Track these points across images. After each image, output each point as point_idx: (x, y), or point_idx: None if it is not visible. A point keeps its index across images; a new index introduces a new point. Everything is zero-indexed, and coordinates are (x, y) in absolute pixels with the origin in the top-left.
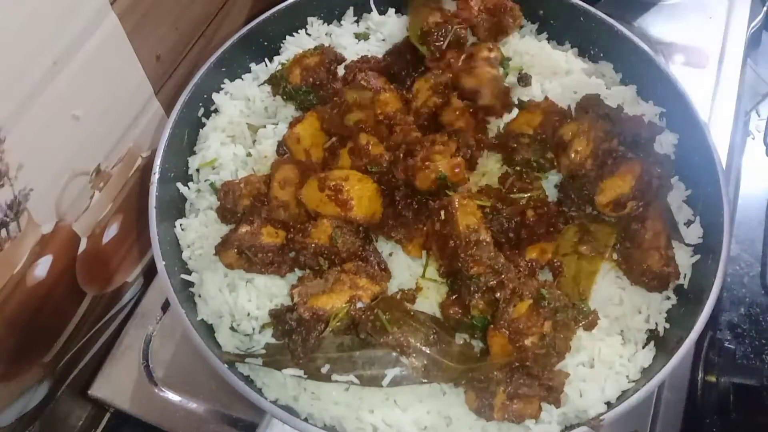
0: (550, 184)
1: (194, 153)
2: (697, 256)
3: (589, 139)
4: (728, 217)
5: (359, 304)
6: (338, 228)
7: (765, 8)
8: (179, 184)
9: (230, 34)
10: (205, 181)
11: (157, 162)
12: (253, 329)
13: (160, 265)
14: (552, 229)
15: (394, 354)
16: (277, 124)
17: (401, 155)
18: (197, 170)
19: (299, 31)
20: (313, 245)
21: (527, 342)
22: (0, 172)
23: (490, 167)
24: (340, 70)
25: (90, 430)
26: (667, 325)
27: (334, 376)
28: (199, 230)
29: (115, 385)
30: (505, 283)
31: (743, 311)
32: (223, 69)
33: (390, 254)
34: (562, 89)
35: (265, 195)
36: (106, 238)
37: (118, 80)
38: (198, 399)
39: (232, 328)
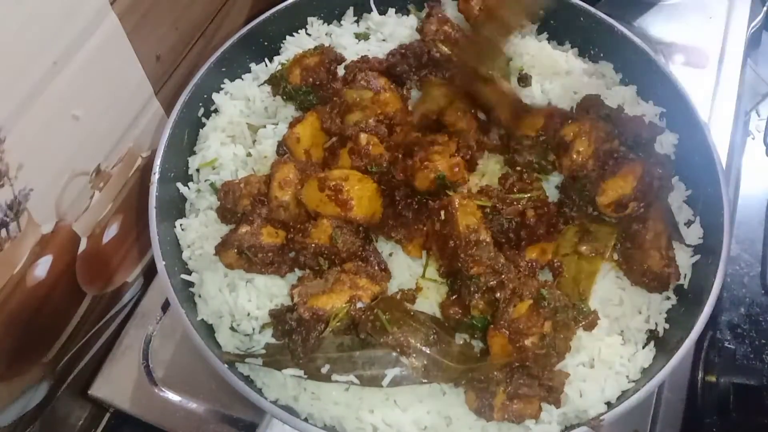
0: (550, 184)
1: (194, 153)
2: (697, 257)
3: (590, 140)
4: (728, 217)
5: (359, 304)
6: (338, 228)
7: (765, 8)
8: (179, 184)
9: (230, 34)
10: (205, 181)
11: (157, 162)
12: (253, 329)
13: (160, 265)
14: (552, 229)
15: (394, 354)
16: (277, 124)
17: (400, 155)
18: (197, 170)
19: (299, 31)
20: (313, 245)
21: (527, 342)
22: (0, 172)
23: (491, 168)
24: (340, 70)
25: (90, 430)
26: (667, 326)
27: (334, 376)
28: (199, 230)
29: (115, 385)
30: (505, 283)
31: (743, 311)
32: (223, 69)
33: (390, 254)
34: (562, 89)
35: (265, 195)
36: (106, 238)
37: (118, 80)
38: (198, 399)
39: (232, 328)
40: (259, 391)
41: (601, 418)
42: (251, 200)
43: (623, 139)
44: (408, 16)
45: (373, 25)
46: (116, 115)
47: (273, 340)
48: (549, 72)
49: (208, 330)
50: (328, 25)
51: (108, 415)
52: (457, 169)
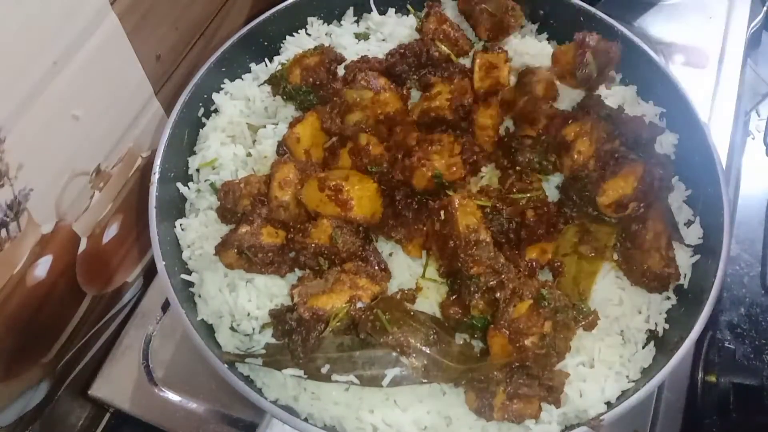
0: (550, 185)
1: (194, 153)
2: (697, 257)
3: (591, 140)
4: (728, 217)
5: (359, 304)
6: (338, 228)
7: (765, 8)
8: (179, 184)
9: (230, 34)
10: (205, 181)
11: (157, 162)
12: (253, 329)
13: (160, 265)
14: (552, 229)
15: (394, 354)
16: (277, 124)
17: (400, 156)
18: (197, 170)
19: (299, 31)
20: (313, 245)
21: (527, 342)
22: (0, 172)
23: (491, 168)
24: (340, 70)
25: (90, 430)
26: (667, 326)
27: (334, 376)
28: (199, 230)
29: (115, 385)
30: (505, 283)
31: (743, 311)
32: (223, 69)
33: (390, 254)
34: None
35: (265, 195)
36: (106, 238)
37: (118, 80)
38: (198, 399)
39: (232, 328)
40: (259, 391)
41: (601, 418)
42: (251, 200)
43: (623, 139)
44: (408, 16)
45: (373, 25)
46: (116, 115)
47: (273, 340)
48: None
49: (208, 330)
50: (328, 25)
51: (108, 415)
52: (454, 168)
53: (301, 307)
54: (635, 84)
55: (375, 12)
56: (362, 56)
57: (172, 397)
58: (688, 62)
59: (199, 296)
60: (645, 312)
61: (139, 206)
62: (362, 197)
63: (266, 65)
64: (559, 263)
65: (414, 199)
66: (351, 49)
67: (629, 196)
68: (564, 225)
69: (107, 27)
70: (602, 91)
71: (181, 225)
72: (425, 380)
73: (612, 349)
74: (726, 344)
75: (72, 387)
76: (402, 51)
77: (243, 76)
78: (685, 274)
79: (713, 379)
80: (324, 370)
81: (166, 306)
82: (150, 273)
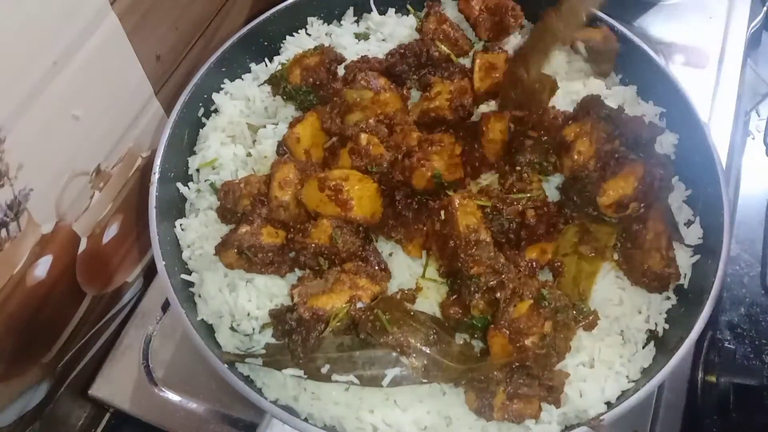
0: (551, 185)
1: (194, 153)
2: (697, 257)
3: (591, 140)
4: (728, 217)
5: (359, 304)
6: (338, 228)
7: (765, 8)
8: (179, 184)
9: (230, 34)
10: (205, 181)
11: (157, 162)
12: (253, 329)
13: (160, 265)
14: (552, 229)
15: (394, 354)
16: (277, 124)
17: (400, 157)
18: (197, 170)
19: (299, 31)
20: (313, 245)
21: (527, 342)
22: (0, 172)
23: None
24: (340, 70)
25: (90, 430)
26: (667, 326)
27: (334, 376)
28: (199, 230)
29: (115, 385)
30: (505, 283)
31: (743, 311)
32: (223, 69)
33: (390, 254)
34: (563, 90)
35: (265, 195)
36: (106, 238)
37: (118, 80)
38: (198, 399)
39: (232, 328)
40: (259, 391)
41: (601, 418)
42: (251, 200)
43: (623, 139)
44: (408, 16)
45: (373, 25)
46: (116, 115)
47: (273, 340)
48: (549, 72)
49: (208, 330)
50: (328, 25)
51: (108, 415)
52: (454, 169)
53: (301, 307)
54: (635, 84)
55: (375, 12)
56: (362, 56)
57: (172, 397)
58: (688, 62)
59: (199, 296)
60: (645, 312)
61: (139, 206)
62: (362, 197)
63: (266, 65)
64: (559, 263)
65: (414, 199)
66: (351, 49)
67: (629, 196)
68: (564, 225)
69: (107, 27)
70: (602, 91)
71: (181, 225)
72: (425, 380)
73: (612, 349)
74: (726, 344)
75: (72, 387)
76: (402, 51)
77: (243, 76)
78: (685, 274)
79: (713, 379)
80: (324, 370)
81: (166, 306)
82: (150, 273)
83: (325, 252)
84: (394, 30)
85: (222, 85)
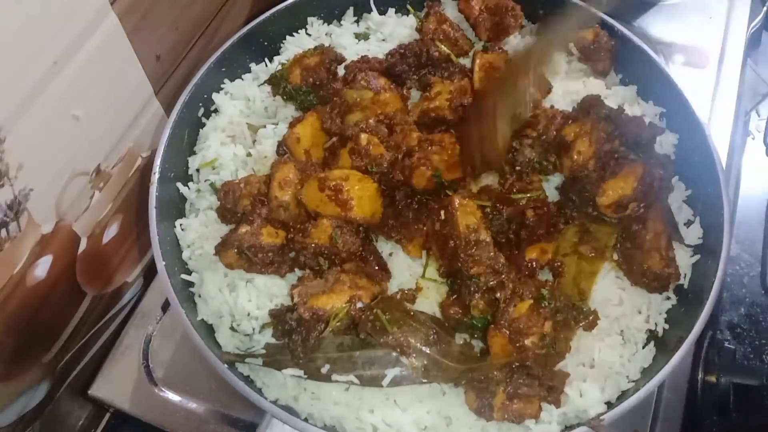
0: (550, 185)
1: (194, 153)
2: (697, 257)
3: (591, 140)
4: (728, 217)
5: (359, 304)
6: (338, 228)
7: (765, 8)
8: (179, 184)
9: (230, 34)
10: (205, 181)
11: (157, 162)
12: (253, 329)
13: (160, 265)
14: (552, 229)
15: (394, 354)
16: (277, 124)
17: (400, 156)
18: (197, 170)
19: (299, 31)
20: (313, 245)
21: (527, 342)
22: (0, 172)
23: None
24: (340, 70)
25: (90, 430)
26: (667, 326)
27: (334, 376)
28: (199, 230)
29: (115, 385)
30: (505, 283)
31: (743, 311)
32: (223, 69)
33: (390, 254)
34: (563, 90)
35: (265, 195)
36: (106, 238)
37: (118, 80)
38: (198, 399)
39: (232, 328)
40: (259, 391)
41: (601, 418)
42: (251, 200)
43: (623, 139)
44: (408, 16)
45: (373, 25)
46: (116, 115)
47: (273, 340)
48: (549, 72)
49: (208, 330)
50: (328, 25)
51: (108, 415)
52: (454, 168)
53: (301, 307)
54: (635, 84)
55: (375, 12)
56: (362, 56)
57: (172, 397)
58: (688, 62)
59: (199, 296)
60: (645, 312)
61: (139, 206)
62: (362, 197)
63: (266, 65)
64: (559, 263)
65: (414, 199)
66: (351, 49)
67: (629, 196)
68: (564, 225)
69: (107, 27)
70: (602, 91)
71: (181, 225)
72: (425, 380)
73: (612, 349)
74: (726, 344)
75: (72, 387)
76: (402, 51)
77: (243, 76)
78: (685, 274)
79: (713, 379)
80: (324, 370)
81: (166, 306)
82: (150, 273)
83: (325, 252)
84: (394, 30)
85: (222, 85)
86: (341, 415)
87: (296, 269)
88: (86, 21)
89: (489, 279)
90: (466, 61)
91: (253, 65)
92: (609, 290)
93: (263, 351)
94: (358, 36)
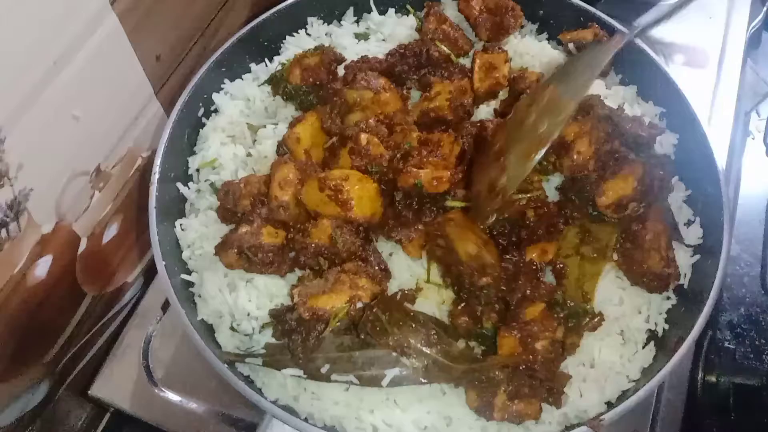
0: (550, 185)
1: (194, 153)
2: (697, 257)
3: (591, 140)
4: (728, 217)
5: (359, 304)
6: (338, 228)
7: (765, 8)
8: (179, 184)
9: (230, 34)
10: (205, 181)
11: (157, 162)
12: (253, 329)
13: (160, 265)
14: (552, 229)
15: (394, 354)
16: (277, 124)
17: (399, 156)
18: (197, 170)
19: (299, 31)
20: (313, 245)
21: (538, 345)
22: (0, 172)
23: None
24: (340, 70)
25: (90, 430)
26: (667, 326)
27: (334, 376)
28: (199, 230)
29: (115, 385)
30: (516, 288)
31: (743, 311)
32: (223, 69)
33: (390, 254)
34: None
35: (265, 195)
36: (106, 238)
37: (118, 80)
38: (198, 399)
39: (232, 328)
40: (259, 391)
41: (601, 418)
42: (251, 200)
43: (623, 139)
44: (408, 16)
45: (373, 25)
46: (116, 115)
47: (273, 340)
48: (549, 72)
49: (208, 330)
50: (328, 25)
51: (108, 415)
52: (436, 183)
53: (301, 307)
54: (635, 84)
55: (375, 12)
56: (362, 56)
57: (172, 397)
58: (688, 62)
59: (199, 296)
60: (645, 312)
61: (139, 206)
62: (362, 197)
63: (266, 65)
64: (561, 265)
65: (414, 200)
66: (351, 49)
67: (629, 196)
68: (564, 225)
69: (107, 27)
70: (602, 91)
71: (181, 225)
72: (425, 380)
73: (612, 349)
74: (726, 344)
75: (72, 387)
76: (402, 51)
77: (243, 76)
78: (685, 274)
79: (713, 379)
80: (324, 370)
81: (166, 306)
82: (150, 273)
83: (325, 252)
84: (394, 30)
85: (222, 85)
86: (341, 415)
87: (296, 269)
88: (86, 21)
89: (500, 288)
90: (466, 61)
91: (253, 65)
92: (609, 290)
93: (263, 351)
94: (358, 36)
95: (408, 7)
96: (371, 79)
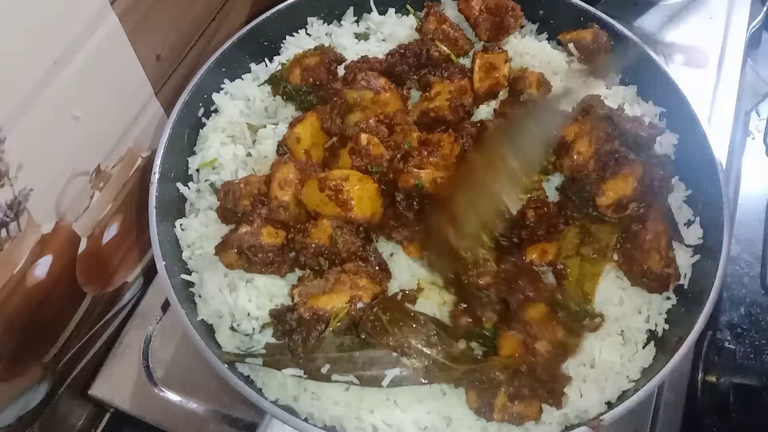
0: (550, 185)
1: (194, 153)
2: (697, 257)
3: (591, 141)
4: (728, 217)
5: (359, 305)
6: (338, 228)
7: (765, 8)
8: (179, 184)
9: (230, 34)
10: (205, 181)
11: (157, 162)
12: (253, 329)
13: (160, 265)
14: (552, 229)
15: (395, 354)
16: (277, 124)
17: (399, 156)
18: (197, 170)
19: (299, 31)
20: (313, 245)
21: (539, 346)
22: (0, 172)
23: None
24: (340, 70)
25: (90, 430)
26: (667, 326)
27: (334, 376)
28: (199, 230)
29: (115, 385)
30: (517, 289)
31: (743, 311)
32: (223, 69)
33: (391, 255)
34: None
35: (265, 195)
36: (106, 238)
37: (118, 80)
38: (198, 399)
39: (232, 328)
40: (259, 391)
41: (601, 418)
42: (251, 200)
43: (623, 139)
44: (408, 16)
45: (373, 25)
46: (116, 115)
47: (273, 340)
48: (549, 72)
49: (208, 330)
50: (328, 25)
51: (108, 415)
52: (437, 184)
53: (301, 307)
54: (635, 84)
55: (375, 12)
56: (362, 56)
57: (172, 397)
58: (688, 62)
59: (199, 296)
60: (645, 312)
61: (139, 206)
62: (362, 197)
63: (266, 65)
64: (562, 266)
65: (415, 200)
66: (351, 49)
67: (629, 196)
68: (564, 225)
69: (107, 27)
70: (602, 91)
71: (181, 225)
72: (426, 381)
73: (612, 349)
74: (726, 344)
75: (72, 387)
76: (402, 51)
77: (243, 76)
78: (685, 274)
79: (713, 379)
80: (324, 370)
81: (166, 306)
82: (150, 273)
83: (326, 252)
84: (394, 30)
85: (222, 85)
86: (341, 415)
87: (296, 269)
88: (86, 21)
89: (500, 289)
90: (466, 61)
91: (253, 65)
92: (609, 290)
93: (263, 351)
94: (358, 36)
95: (408, 7)
96: (371, 79)
